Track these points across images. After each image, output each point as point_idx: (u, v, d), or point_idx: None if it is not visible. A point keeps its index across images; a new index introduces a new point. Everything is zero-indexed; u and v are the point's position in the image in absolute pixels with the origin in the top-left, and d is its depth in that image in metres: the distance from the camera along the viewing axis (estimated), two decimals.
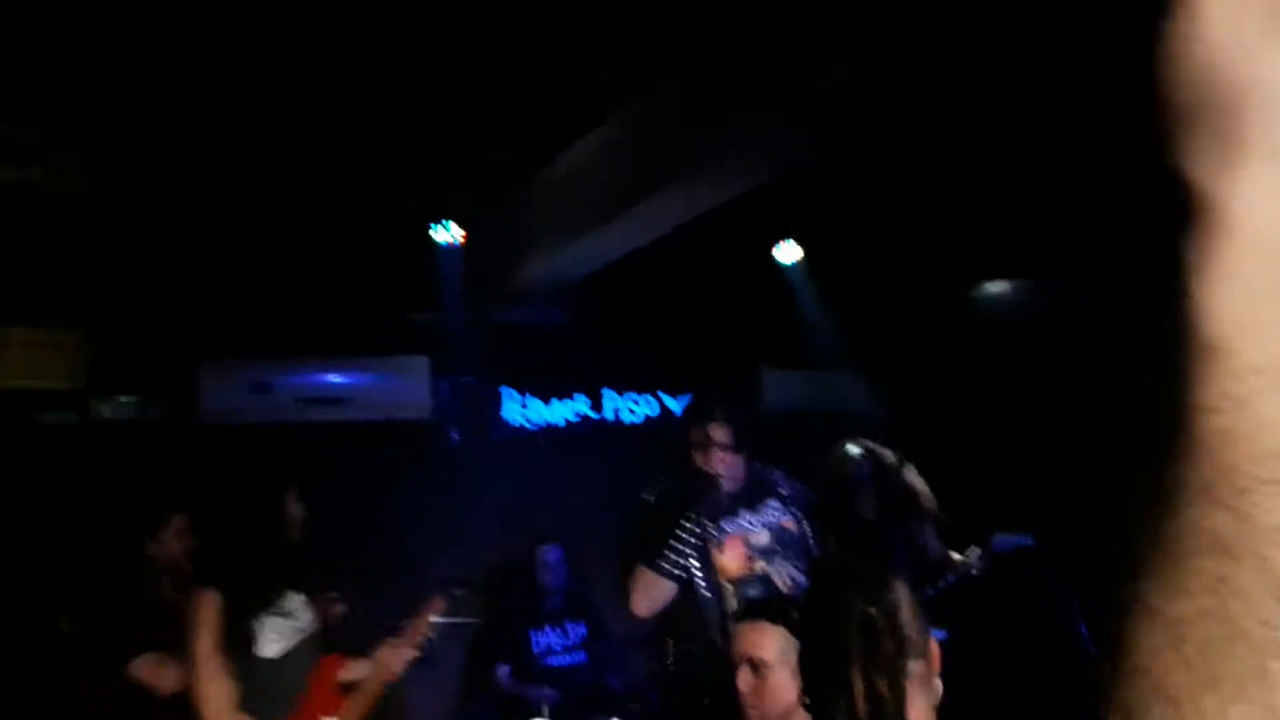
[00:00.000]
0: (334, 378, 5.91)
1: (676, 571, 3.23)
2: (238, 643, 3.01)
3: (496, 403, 6.41)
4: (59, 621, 3.98)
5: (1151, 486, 0.41)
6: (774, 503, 3.42)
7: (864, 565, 1.71)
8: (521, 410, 6.51)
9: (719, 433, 3.34)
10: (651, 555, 3.23)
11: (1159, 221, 0.43)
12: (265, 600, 3.11)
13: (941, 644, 3.92)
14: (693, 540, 3.24)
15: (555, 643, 5.45)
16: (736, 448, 3.36)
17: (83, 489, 5.28)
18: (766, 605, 2.50)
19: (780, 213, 5.78)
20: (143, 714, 3.33)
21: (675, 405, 6.89)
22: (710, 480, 3.30)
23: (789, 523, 3.39)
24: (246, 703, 3.01)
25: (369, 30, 4.22)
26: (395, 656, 3.36)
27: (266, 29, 4.14)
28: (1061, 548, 4.09)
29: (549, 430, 6.54)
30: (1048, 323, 5.87)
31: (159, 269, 5.61)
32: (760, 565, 3.30)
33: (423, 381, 6.04)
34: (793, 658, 2.12)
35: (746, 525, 3.35)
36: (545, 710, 4.62)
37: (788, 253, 6.22)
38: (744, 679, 2.25)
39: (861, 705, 1.51)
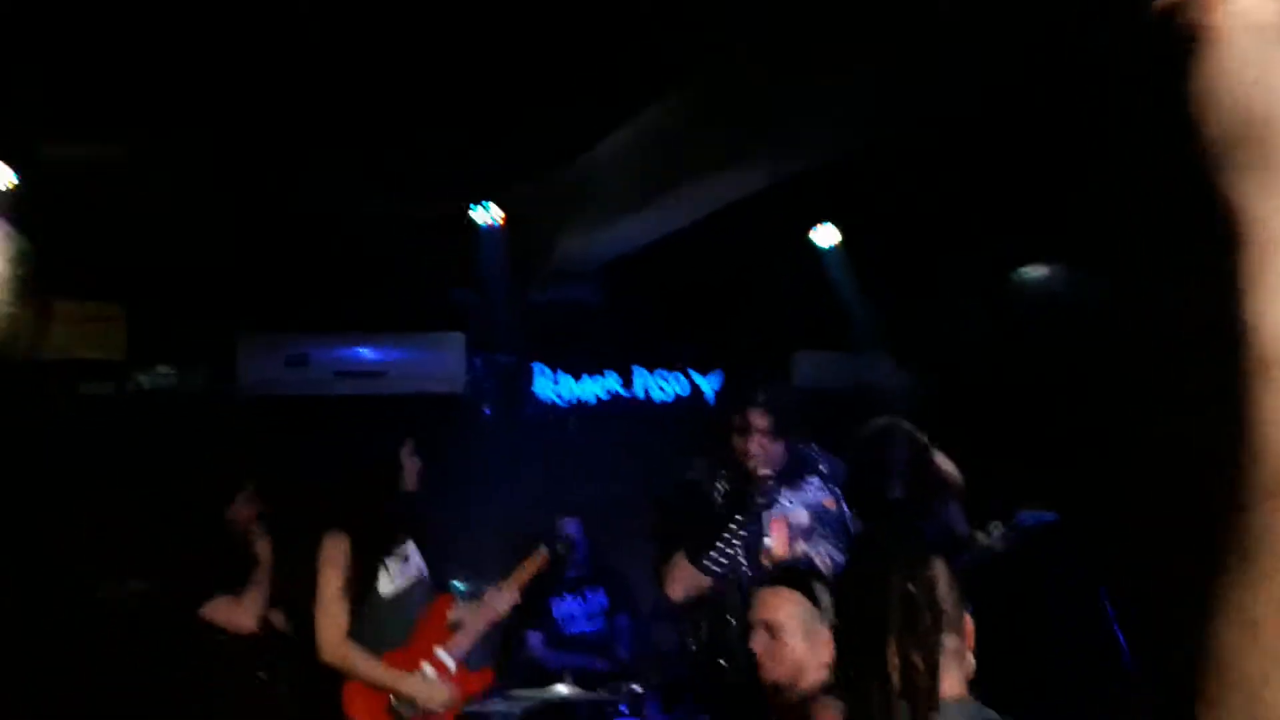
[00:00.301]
0: (370, 351, 5.95)
1: (719, 570, 3.26)
2: (360, 581, 3.42)
3: (529, 379, 6.45)
4: (125, 583, 4.13)
5: (1222, 492, 0.44)
6: (814, 480, 3.44)
7: (903, 542, 1.73)
8: (553, 386, 6.55)
9: (759, 419, 3.34)
10: (695, 549, 3.24)
11: (1210, 245, 0.44)
12: (385, 545, 3.49)
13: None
14: (740, 543, 3.28)
15: (576, 610, 5.50)
16: (776, 433, 3.36)
17: (125, 459, 5.40)
18: (786, 572, 2.58)
19: (818, 195, 5.77)
20: (218, 658, 3.54)
21: (706, 384, 6.91)
22: (751, 477, 3.31)
23: (829, 501, 3.41)
24: (365, 632, 3.42)
25: (421, 3, 4.24)
26: (500, 599, 3.72)
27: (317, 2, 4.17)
28: (1086, 526, 4.10)
29: (580, 406, 6.57)
30: (1083, 309, 5.84)
31: (198, 241, 5.66)
32: (801, 547, 3.32)
33: (458, 357, 6.08)
34: (810, 624, 2.23)
35: (786, 505, 3.37)
36: (568, 678, 4.67)
37: (825, 235, 6.21)
38: (759, 641, 2.31)
39: (896, 679, 1.54)
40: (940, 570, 1.62)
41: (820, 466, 3.46)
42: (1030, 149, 4.97)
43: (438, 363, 6.03)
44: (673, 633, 5.26)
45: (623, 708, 4.70)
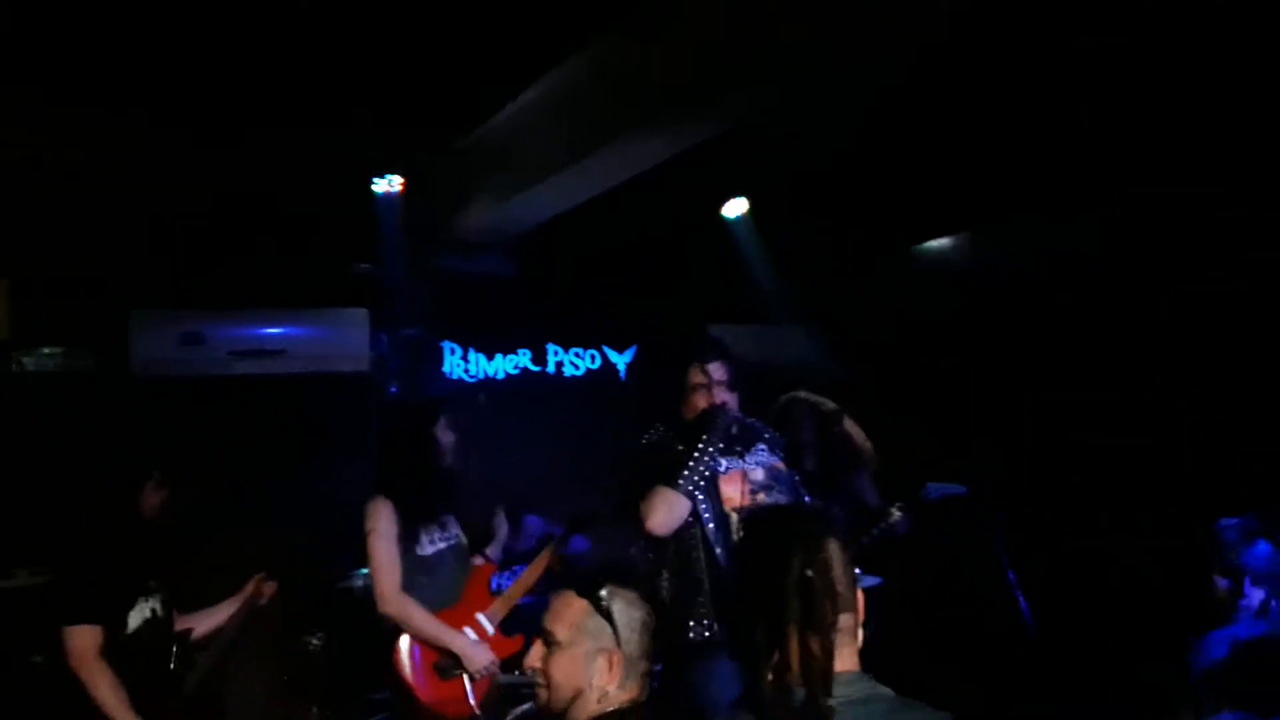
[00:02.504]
0: (269, 329, 5.77)
1: (693, 490, 3.31)
2: (404, 540, 3.75)
3: (437, 356, 6.32)
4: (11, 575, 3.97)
5: None
6: (762, 446, 3.53)
7: (800, 521, 1.69)
8: (462, 364, 6.44)
9: (720, 372, 3.46)
10: (668, 477, 3.29)
11: None
12: (424, 511, 3.84)
13: (876, 590, 3.98)
14: (706, 464, 3.32)
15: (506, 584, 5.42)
16: (733, 386, 3.48)
17: (9, 442, 5.16)
18: (580, 576, 2.12)
19: (727, 168, 5.74)
20: None
21: (619, 360, 6.86)
22: (717, 411, 3.39)
23: (779, 464, 3.52)
24: (407, 587, 3.72)
25: None
26: (533, 573, 4.04)
27: None
28: (992, 497, 4.17)
29: (490, 383, 6.47)
30: (987, 276, 5.92)
31: (86, 216, 5.43)
32: (761, 498, 3.40)
33: (362, 334, 5.92)
34: (596, 640, 1.93)
35: (744, 463, 3.45)
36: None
37: (734, 207, 6.18)
38: (535, 651, 2.02)
39: (795, 664, 1.53)
40: (835, 550, 1.60)
41: (765, 435, 3.57)
42: (938, 120, 5.00)
43: (340, 340, 5.85)
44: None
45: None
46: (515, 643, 3.98)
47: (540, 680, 1.98)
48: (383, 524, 3.76)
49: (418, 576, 3.79)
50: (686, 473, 3.29)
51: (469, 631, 3.85)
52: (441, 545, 3.89)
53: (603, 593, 1.96)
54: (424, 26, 4.51)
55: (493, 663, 3.81)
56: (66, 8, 4.18)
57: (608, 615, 1.94)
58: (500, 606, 3.98)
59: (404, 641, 3.75)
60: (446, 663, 3.77)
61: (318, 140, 5.63)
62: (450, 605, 3.87)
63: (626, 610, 1.96)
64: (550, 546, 4.16)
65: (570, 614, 1.96)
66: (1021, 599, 4.04)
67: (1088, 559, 4.97)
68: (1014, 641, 4.12)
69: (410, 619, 3.72)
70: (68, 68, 4.74)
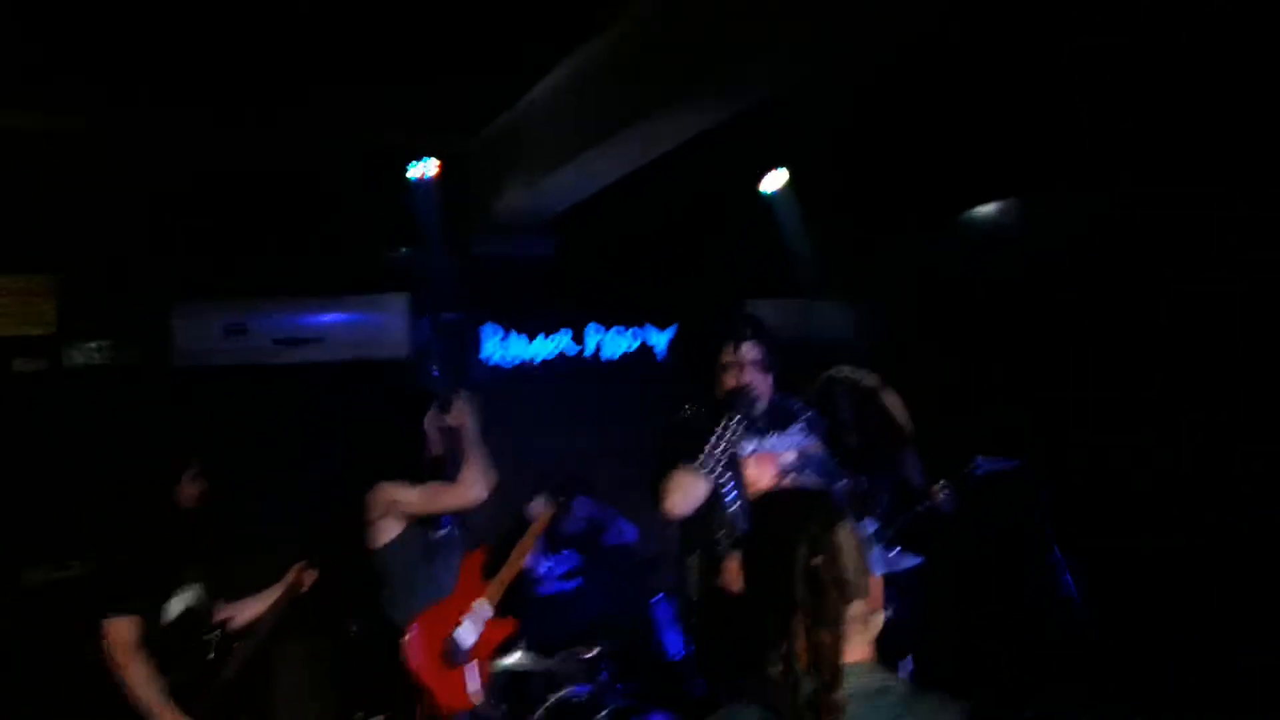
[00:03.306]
0: (310, 317, 5.80)
1: (711, 471, 3.24)
2: (421, 522, 3.84)
3: (477, 340, 6.32)
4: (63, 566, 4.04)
5: None
6: (798, 426, 3.47)
7: (809, 507, 1.62)
8: (503, 346, 6.43)
9: (753, 352, 3.40)
10: (689, 457, 3.23)
11: None
12: None
13: (917, 570, 3.89)
14: (726, 445, 3.25)
15: (551, 570, 5.40)
16: (767, 367, 3.41)
17: (58, 436, 5.25)
18: None
19: (765, 141, 5.65)
20: None
21: (660, 339, 6.80)
22: (746, 392, 3.32)
23: (813, 446, 3.45)
24: (420, 567, 3.82)
25: None
26: (522, 551, 4.12)
27: None
28: (1039, 473, 4.05)
29: (530, 365, 6.45)
30: (1034, 243, 5.77)
31: (129, 210, 5.49)
32: (790, 480, 3.35)
33: (402, 319, 5.93)
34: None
35: (773, 446, 3.40)
36: (521, 645, 4.61)
37: (772, 180, 6.08)
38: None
39: (803, 654, 1.49)
40: (845, 536, 1.54)
41: (804, 416, 3.50)
42: (978, 86, 4.87)
43: (381, 326, 5.87)
44: (631, 594, 5.20)
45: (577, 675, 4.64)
46: (508, 625, 4.02)
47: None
48: (404, 488, 3.84)
49: (431, 557, 3.87)
50: (704, 454, 3.22)
51: (467, 618, 3.89)
52: (443, 532, 3.95)
53: None
54: (454, 11, 4.48)
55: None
56: (103, 10, 4.21)
57: None
58: (495, 590, 4.02)
59: (411, 631, 3.79)
60: (451, 648, 3.81)
61: (354, 128, 5.63)
62: (449, 593, 3.92)
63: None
64: (534, 527, 4.22)
65: None
66: (1069, 578, 3.92)
67: (1139, 539, 4.84)
68: (1062, 624, 4.01)
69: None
70: (112, 62, 4.79)
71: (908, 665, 3.42)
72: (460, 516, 4.06)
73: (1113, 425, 5.11)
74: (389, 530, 3.81)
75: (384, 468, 3.87)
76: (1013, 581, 4.65)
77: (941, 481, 3.79)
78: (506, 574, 4.06)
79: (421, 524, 3.86)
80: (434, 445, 3.97)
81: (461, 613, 3.91)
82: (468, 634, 3.87)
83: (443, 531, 3.94)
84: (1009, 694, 4.01)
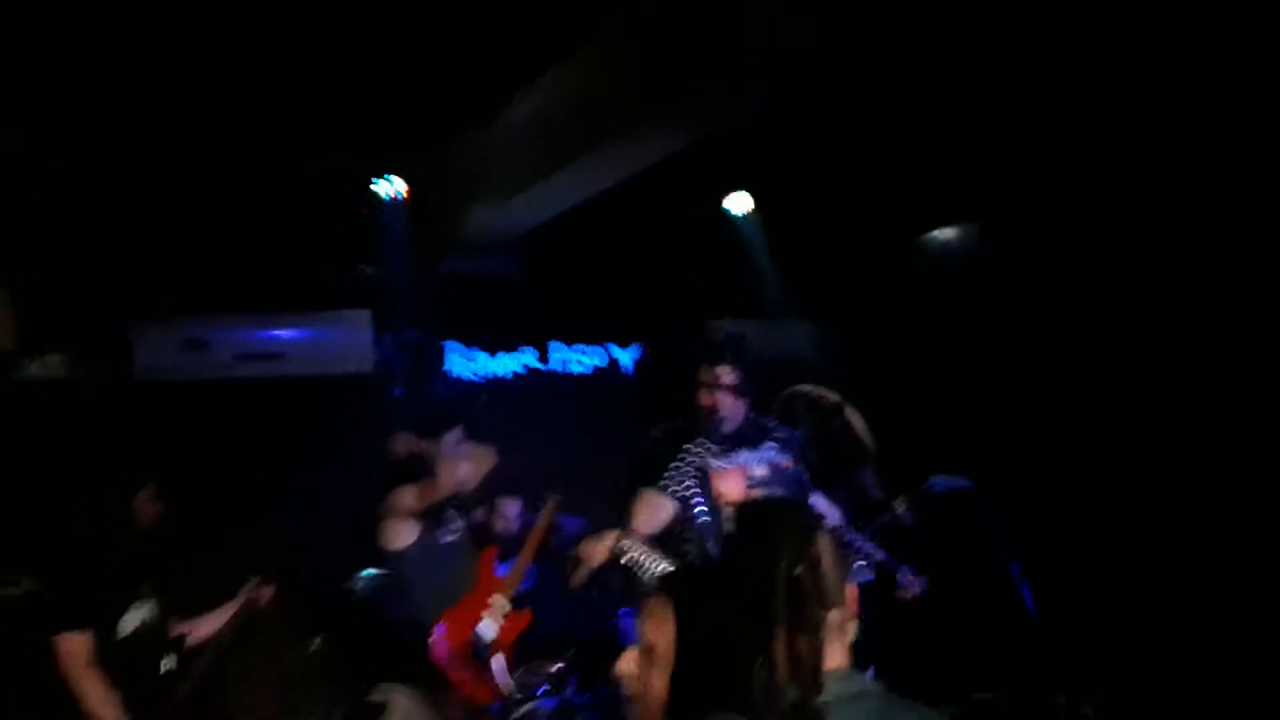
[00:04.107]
0: (272, 333, 5.78)
1: (677, 490, 3.35)
2: (429, 526, 4.02)
3: (440, 356, 6.32)
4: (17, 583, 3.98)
5: None
6: (771, 444, 3.52)
7: (789, 517, 1.65)
8: (467, 363, 6.43)
9: (728, 376, 3.48)
10: (657, 479, 3.35)
11: None
12: (432, 510, 4.05)
13: (881, 569, 3.91)
14: (694, 466, 3.36)
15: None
16: (742, 391, 3.49)
17: (15, 450, 5.17)
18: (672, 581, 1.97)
19: (731, 162, 5.71)
20: None
21: (624, 356, 6.83)
22: (710, 413, 3.42)
23: (785, 462, 3.50)
24: (429, 567, 3.99)
25: None
26: (533, 544, 4.28)
27: None
28: (994, 490, 4.13)
29: (495, 382, 6.46)
30: (994, 267, 5.86)
31: (90, 224, 5.44)
32: (759, 493, 3.39)
33: (365, 335, 5.92)
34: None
35: (744, 460, 3.45)
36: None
37: (738, 203, 6.14)
38: (629, 658, 1.85)
39: (782, 664, 1.50)
40: (825, 545, 1.57)
41: (777, 434, 3.56)
42: (937, 112, 4.96)
43: (344, 342, 5.86)
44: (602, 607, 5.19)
45: (543, 687, 4.63)
46: (525, 617, 4.18)
47: (635, 688, 1.82)
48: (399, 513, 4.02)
49: (439, 559, 4.04)
50: (669, 474, 3.33)
51: (487, 614, 4.06)
52: (452, 537, 4.13)
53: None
54: (424, 31, 4.50)
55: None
56: (65, 12, 4.19)
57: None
58: (510, 585, 4.20)
59: (435, 631, 3.98)
60: (476, 644, 3.99)
61: (320, 144, 5.63)
62: (468, 590, 4.11)
63: None
64: (540, 524, 4.37)
65: (668, 624, 1.80)
66: (1026, 591, 3.99)
67: (1090, 552, 4.93)
68: (1018, 633, 4.08)
69: None
70: (75, 76, 4.75)
71: (869, 676, 3.46)
72: (466, 520, 4.25)
73: (1067, 443, 5.21)
74: (405, 535, 3.99)
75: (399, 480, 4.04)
76: (970, 594, 4.71)
77: (901, 497, 3.85)
78: (519, 567, 4.25)
79: (432, 529, 4.03)
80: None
81: (481, 609, 4.07)
82: (489, 629, 4.03)
83: (451, 538, 4.12)
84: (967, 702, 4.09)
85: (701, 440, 3.38)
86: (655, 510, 3.32)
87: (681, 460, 3.35)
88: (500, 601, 4.12)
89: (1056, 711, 3.98)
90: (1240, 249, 4.60)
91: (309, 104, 5.18)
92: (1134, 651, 4.39)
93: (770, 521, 1.66)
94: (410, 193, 5.64)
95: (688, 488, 3.35)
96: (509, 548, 5.42)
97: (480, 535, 4.45)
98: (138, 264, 5.53)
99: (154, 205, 5.51)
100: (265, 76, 4.86)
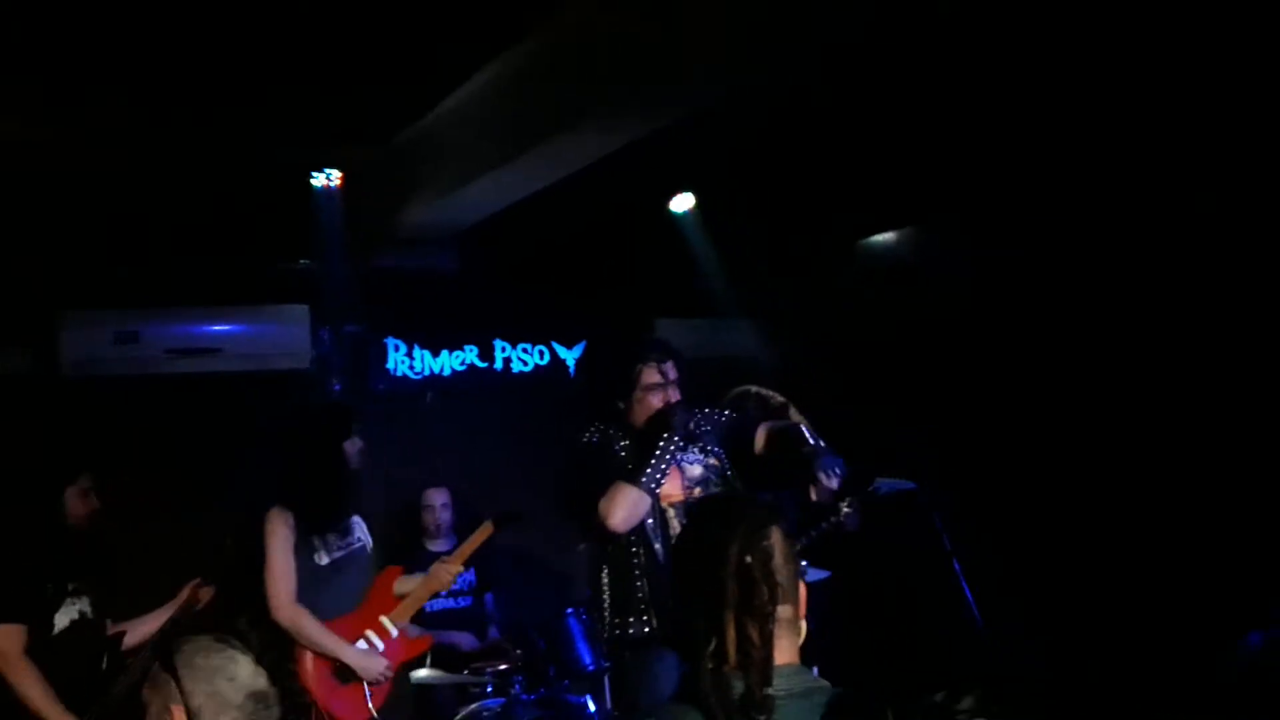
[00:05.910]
0: (206, 327, 5.65)
1: (656, 487, 3.33)
2: (301, 551, 3.79)
3: (381, 353, 6.23)
4: None
5: None
6: (702, 440, 3.55)
7: (744, 509, 1.65)
8: (407, 361, 6.35)
9: (672, 370, 3.51)
10: (626, 474, 3.31)
11: None
12: (327, 518, 3.87)
13: (825, 583, 3.96)
14: (668, 461, 3.34)
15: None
16: (683, 384, 3.52)
17: None
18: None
19: (674, 161, 5.70)
20: None
21: (568, 355, 6.80)
22: (676, 408, 3.41)
23: (715, 459, 3.54)
24: (305, 597, 3.75)
25: None
26: (445, 571, 4.03)
27: None
28: (941, 493, 4.18)
29: (435, 380, 6.39)
30: (933, 271, 5.94)
31: (14, 212, 5.27)
32: (697, 493, 3.43)
33: (302, 330, 5.81)
34: (162, 697, 1.90)
35: (681, 459, 3.46)
36: (427, 660, 4.55)
37: (681, 202, 6.15)
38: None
39: (732, 650, 1.50)
40: (777, 539, 1.57)
41: (705, 427, 3.58)
42: (886, 112, 5.00)
43: (280, 337, 5.75)
44: (542, 608, 5.17)
45: (488, 689, 4.60)
46: (424, 642, 4.08)
47: None
48: (280, 534, 3.79)
49: (316, 586, 3.84)
50: (650, 470, 3.30)
51: (371, 635, 3.89)
52: (340, 553, 3.93)
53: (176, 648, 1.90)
54: (363, 20, 4.43)
55: (386, 669, 3.86)
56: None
57: (171, 669, 1.88)
58: (405, 607, 4.00)
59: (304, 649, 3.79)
60: (344, 668, 3.82)
61: (255, 134, 5.51)
62: (352, 610, 3.92)
63: (193, 659, 1.88)
64: (463, 547, 4.16)
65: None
66: (968, 592, 4.05)
67: (1034, 554, 5.01)
68: (960, 634, 4.14)
69: (302, 630, 3.74)
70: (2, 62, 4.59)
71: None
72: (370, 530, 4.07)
73: (1015, 445, 5.29)
74: (277, 548, 3.79)
75: (289, 485, 3.86)
76: (913, 595, 4.77)
77: (847, 499, 3.88)
78: (419, 593, 4.03)
79: (311, 544, 3.84)
80: (351, 460, 3.98)
81: (364, 630, 3.89)
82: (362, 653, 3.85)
83: (338, 555, 3.91)
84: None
85: (676, 435, 3.37)
86: (635, 505, 3.30)
87: (659, 456, 3.32)
88: (387, 624, 3.94)
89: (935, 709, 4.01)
90: (1198, 250, 4.69)
91: (247, 93, 5.07)
92: (1071, 654, 4.48)
93: (724, 514, 1.66)
94: (346, 185, 5.52)
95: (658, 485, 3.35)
96: (442, 545, 5.40)
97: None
98: (66, 253, 5.38)
99: (83, 194, 5.35)
100: (201, 65, 4.75)
